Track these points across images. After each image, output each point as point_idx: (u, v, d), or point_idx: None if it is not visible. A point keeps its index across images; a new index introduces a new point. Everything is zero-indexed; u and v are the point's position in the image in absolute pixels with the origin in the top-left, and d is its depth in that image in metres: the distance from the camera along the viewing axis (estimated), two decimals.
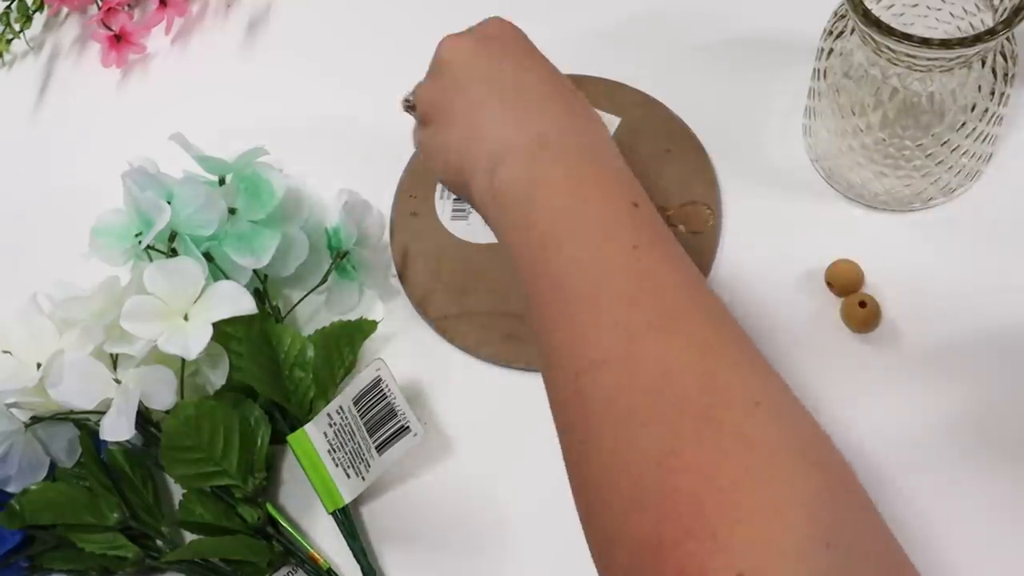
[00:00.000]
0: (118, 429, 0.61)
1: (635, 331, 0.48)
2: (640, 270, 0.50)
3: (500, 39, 0.60)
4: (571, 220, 0.52)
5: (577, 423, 0.49)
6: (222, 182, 0.69)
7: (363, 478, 0.63)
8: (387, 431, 0.62)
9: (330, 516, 0.64)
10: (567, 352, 0.50)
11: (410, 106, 0.63)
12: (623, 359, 0.47)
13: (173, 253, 0.66)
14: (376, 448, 0.62)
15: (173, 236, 0.66)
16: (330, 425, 0.64)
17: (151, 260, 0.65)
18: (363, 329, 0.67)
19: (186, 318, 0.64)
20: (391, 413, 0.62)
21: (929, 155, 0.62)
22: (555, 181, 0.53)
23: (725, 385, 0.46)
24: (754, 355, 0.48)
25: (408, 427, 0.62)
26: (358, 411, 0.63)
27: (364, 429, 0.63)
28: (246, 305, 0.64)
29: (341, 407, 0.64)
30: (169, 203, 0.65)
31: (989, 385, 0.61)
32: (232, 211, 0.68)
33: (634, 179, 0.55)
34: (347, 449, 0.63)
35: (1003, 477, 0.59)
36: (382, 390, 0.63)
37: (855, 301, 0.63)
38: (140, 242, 0.65)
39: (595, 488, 0.48)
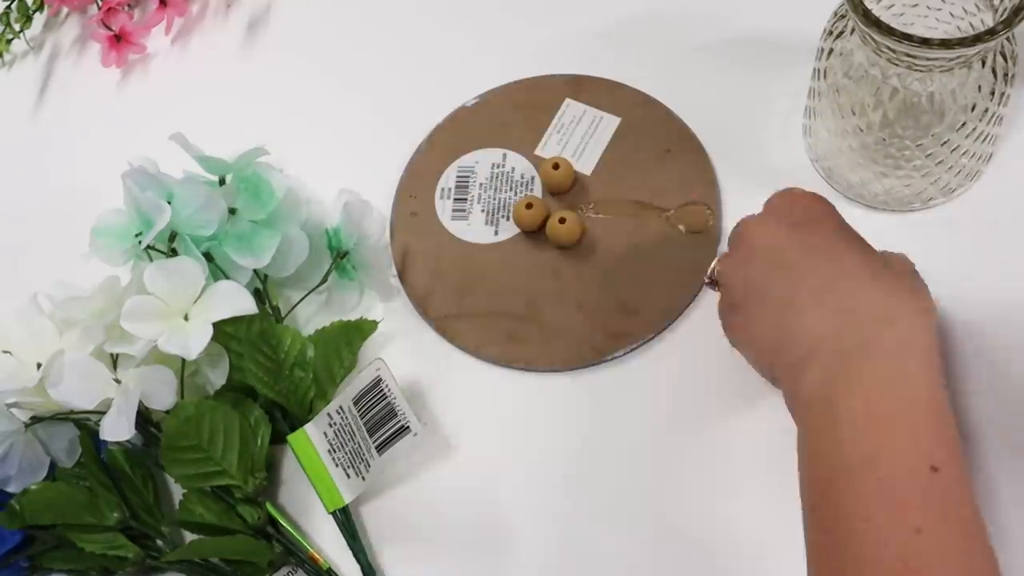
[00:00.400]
0: (118, 429, 0.61)
1: None
2: (912, 563, 0.46)
3: (811, 223, 0.56)
4: (855, 476, 0.48)
5: None
6: (222, 182, 0.69)
7: (363, 478, 0.63)
8: (387, 431, 0.62)
9: (330, 516, 0.64)
10: None
11: (712, 282, 0.61)
12: None
13: (173, 253, 0.66)
14: (376, 448, 0.62)
15: (173, 236, 0.66)
16: (330, 425, 0.64)
17: (151, 260, 0.65)
18: (363, 329, 0.67)
19: (186, 318, 0.64)
20: (391, 413, 0.62)
21: (929, 155, 0.62)
22: (850, 416, 0.50)
23: None
24: None
25: (408, 427, 0.62)
26: (358, 411, 0.63)
27: (364, 429, 0.63)
28: (246, 305, 0.64)
29: (341, 407, 0.64)
30: (169, 203, 0.65)
31: (989, 385, 0.61)
32: (232, 211, 0.68)
33: (946, 416, 0.50)
34: (347, 449, 0.63)
35: (1002, 478, 0.59)
36: (382, 390, 0.63)
37: None
38: (140, 242, 0.65)
39: None
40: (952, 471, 0.48)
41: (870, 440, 0.49)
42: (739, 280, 0.57)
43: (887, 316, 0.52)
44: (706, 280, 0.62)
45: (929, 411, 0.50)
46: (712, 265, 0.61)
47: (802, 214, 0.57)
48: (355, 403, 0.63)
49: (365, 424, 0.63)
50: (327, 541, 0.65)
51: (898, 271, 0.56)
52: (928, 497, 0.47)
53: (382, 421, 0.62)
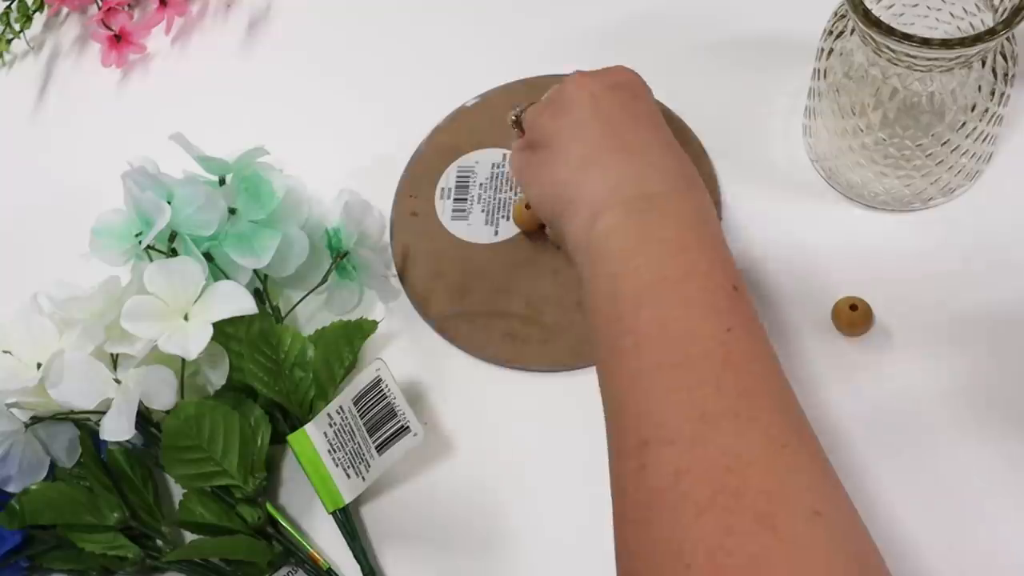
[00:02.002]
0: (118, 429, 0.61)
1: (710, 416, 0.47)
2: (727, 355, 0.49)
3: (629, 89, 0.60)
4: (670, 288, 0.51)
5: (634, 495, 0.48)
6: (222, 182, 0.69)
7: (363, 478, 0.63)
8: (387, 431, 0.62)
9: (330, 516, 0.64)
10: (635, 420, 0.49)
11: (516, 123, 0.63)
12: (692, 441, 0.47)
13: (173, 253, 0.66)
14: (376, 448, 0.62)
15: (173, 236, 0.66)
16: (330, 425, 0.64)
17: (151, 260, 0.65)
18: (363, 329, 0.67)
19: (186, 318, 0.64)
20: (391, 413, 0.62)
21: (929, 155, 0.62)
22: (659, 243, 0.53)
23: (790, 487, 0.45)
24: (824, 462, 0.48)
25: (408, 427, 0.62)
26: (358, 411, 0.63)
27: (364, 429, 0.63)
28: (246, 305, 0.64)
29: (341, 407, 0.64)
30: (169, 203, 0.65)
31: (988, 386, 0.61)
32: (232, 211, 0.68)
33: (734, 260, 0.55)
34: (347, 449, 0.63)
35: (1001, 481, 0.59)
36: (382, 390, 0.63)
37: (847, 304, 0.63)
38: (140, 242, 0.65)
39: (643, 561, 0.47)
40: (745, 294, 0.53)
41: (687, 259, 0.52)
42: (550, 126, 0.60)
43: (688, 175, 0.57)
44: (512, 119, 0.64)
45: (723, 249, 0.54)
46: (520, 108, 0.64)
47: (622, 78, 0.61)
48: (355, 403, 0.63)
49: (365, 424, 0.63)
50: (327, 541, 0.65)
51: (688, 160, 0.59)
52: (734, 307, 0.51)
53: (382, 421, 0.62)
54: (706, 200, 0.57)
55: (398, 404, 0.62)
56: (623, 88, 0.60)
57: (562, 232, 0.58)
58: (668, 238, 0.53)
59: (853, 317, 0.63)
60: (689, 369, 0.49)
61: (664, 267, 0.52)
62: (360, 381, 0.64)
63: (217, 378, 0.66)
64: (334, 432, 0.64)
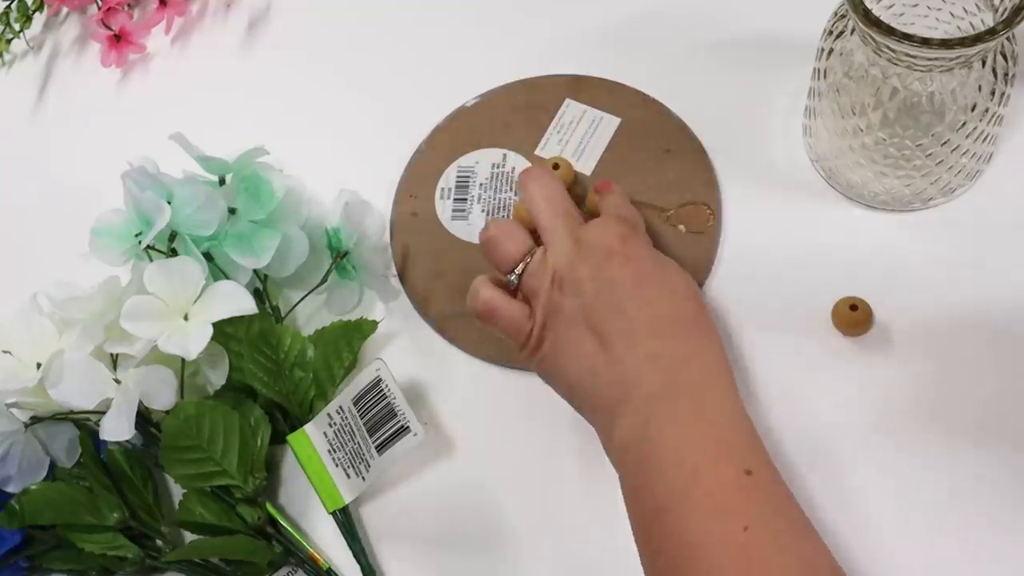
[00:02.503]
0: (118, 429, 0.61)
1: None
2: (746, 557, 0.50)
3: (623, 254, 0.59)
4: (681, 499, 0.52)
5: None
6: (222, 182, 0.69)
7: (363, 478, 0.63)
8: (387, 431, 0.62)
9: (330, 516, 0.64)
10: None
11: (513, 284, 0.62)
12: None
13: (173, 253, 0.66)
14: (376, 448, 0.62)
15: (173, 236, 0.66)
16: (330, 425, 0.64)
17: (151, 260, 0.65)
18: (363, 329, 0.67)
19: (186, 318, 0.64)
20: (391, 413, 0.62)
21: (929, 155, 0.62)
22: (668, 452, 0.54)
23: None
24: None
25: (408, 427, 0.62)
26: (358, 411, 0.63)
27: (364, 429, 0.63)
28: (246, 305, 0.64)
29: (341, 407, 0.64)
30: (169, 203, 0.65)
31: (988, 387, 0.61)
32: (232, 211, 0.68)
33: (751, 430, 0.55)
34: (347, 449, 0.63)
35: (1000, 484, 0.59)
36: (382, 390, 0.63)
37: (846, 304, 0.63)
38: (140, 242, 0.65)
39: None
40: (766, 472, 0.54)
41: (689, 463, 0.53)
42: (550, 307, 0.59)
43: (685, 357, 0.57)
44: (514, 280, 0.62)
45: (733, 427, 0.55)
46: (522, 266, 0.61)
47: (616, 241, 0.60)
48: (355, 403, 0.63)
49: (365, 424, 0.63)
50: (327, 541, 0.65)
51: (689, 304, 0.59)
52: (749, 497, 0.52)
53: (382, 421, 0.62)
54: (712, 362, 0.57)
55: (398, 404, 0.62)
56: (615, 255, 0.59)
57: (589, 421, 0.59)
58: (672, 441, 0.54)
59: (853, 317, 0.63)
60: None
61: (672, 475, 0.53)
62: (360, 381, 0.63)
63: (217, 378, 0.66)
64: (334, 432, 0.64)
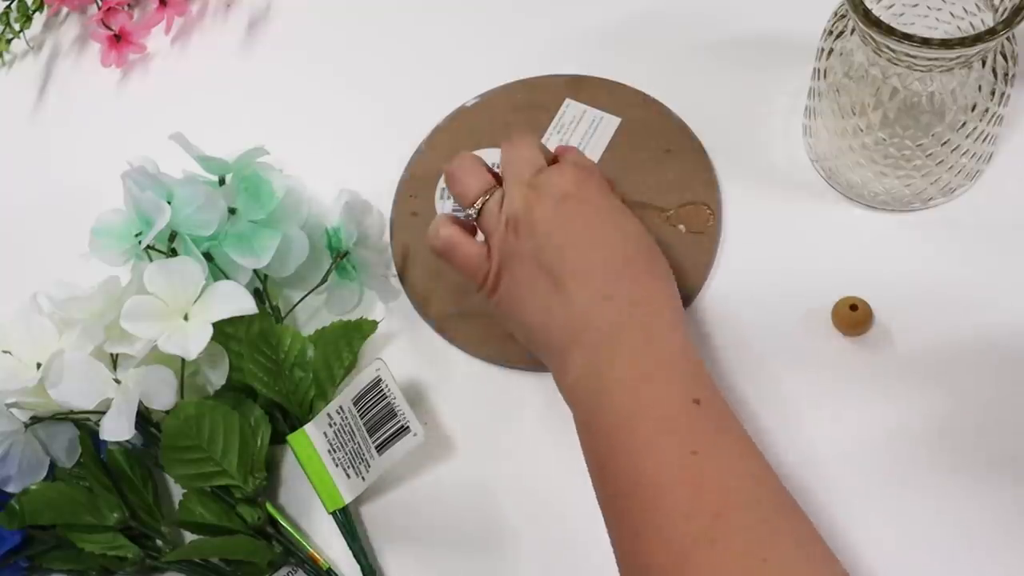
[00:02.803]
0: (118, 429, 0.61)
1: (686, 545, 0.50)
2: (696, 477, 0.52)
3: (577, 196, 0.60)
4: (632, 425, 0.54)
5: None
6: (222, 182, 0.69)
7: (363, 478, 0.63)
8: (387, 431, 0.62)
9: (330, 516, 0.64)
10: (625, 552, 0.53)
11: (472, 218, 0.63)
12: (672, 572, 0.50)
13: (173, 253, 0.66)
14: (376, 448, 0.62)
15: (173, 236, 0.66)
16: (330, 425, 0.64)
17: (151, 260, 0.65)
18: (363, 329, 0.67)
19: (186, 318, 0.64)
20: (391, 413, 0.62)
21: (929, 155, 0.62)
22: (617, 383, 0.55)
23: None
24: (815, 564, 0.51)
25: (408, 427, 0.62)
26: (358, 411, 0.63)
27: (364, 429, 0.63)
28: (246, 305, 0.64)
29: (341, 407, 0.64)
30: (169, 203, 0.65)
31: (987, 388, 0.61)
32: (232, 211, 0.68)
33: (698, 364, 0.57)
34: (347, 449, 0.63)
35: (1000, 486, 0.59)
36: (382, 390, 0.63)
37: (846, 304, 0.63)
38: (140, 242, 0.65)
39: None
40: (713, 403, 0.55)
41: (637, 393, 0.55)
42: (503, 245, 0.60)
43: (637, 299, 0.58)
44: (472, 214, 0.63)
45: (681, 360, 0.56)
46: (484, 198, 0.62)
47: (572, 186, 0.61)
48: (355, 403, 0.63)
49: (365, 424, 0.63)
50: (327, 541, 0.65)
51: (642, 247, 0.61)
52: (695, 424, 0.54)
53: (382, 421, 0.62)
54: (662, 299, 0.59)
55: (398, 404, 0.62)
56: (571, 197, 0.60)
57: (544, 361, 0.61)
58: (622, 376, 0.55)
59: (853, 317, 0.63)
60: (661, 502, 0.52)
61: (622, 408, 0.55)
62: (360, 381, 0.63)
63: (217, 378, 0.66)
64: (334, 432, 0.64)
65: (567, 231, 0.59)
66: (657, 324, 0.57)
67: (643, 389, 0.55)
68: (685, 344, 0.57)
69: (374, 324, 0.67)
